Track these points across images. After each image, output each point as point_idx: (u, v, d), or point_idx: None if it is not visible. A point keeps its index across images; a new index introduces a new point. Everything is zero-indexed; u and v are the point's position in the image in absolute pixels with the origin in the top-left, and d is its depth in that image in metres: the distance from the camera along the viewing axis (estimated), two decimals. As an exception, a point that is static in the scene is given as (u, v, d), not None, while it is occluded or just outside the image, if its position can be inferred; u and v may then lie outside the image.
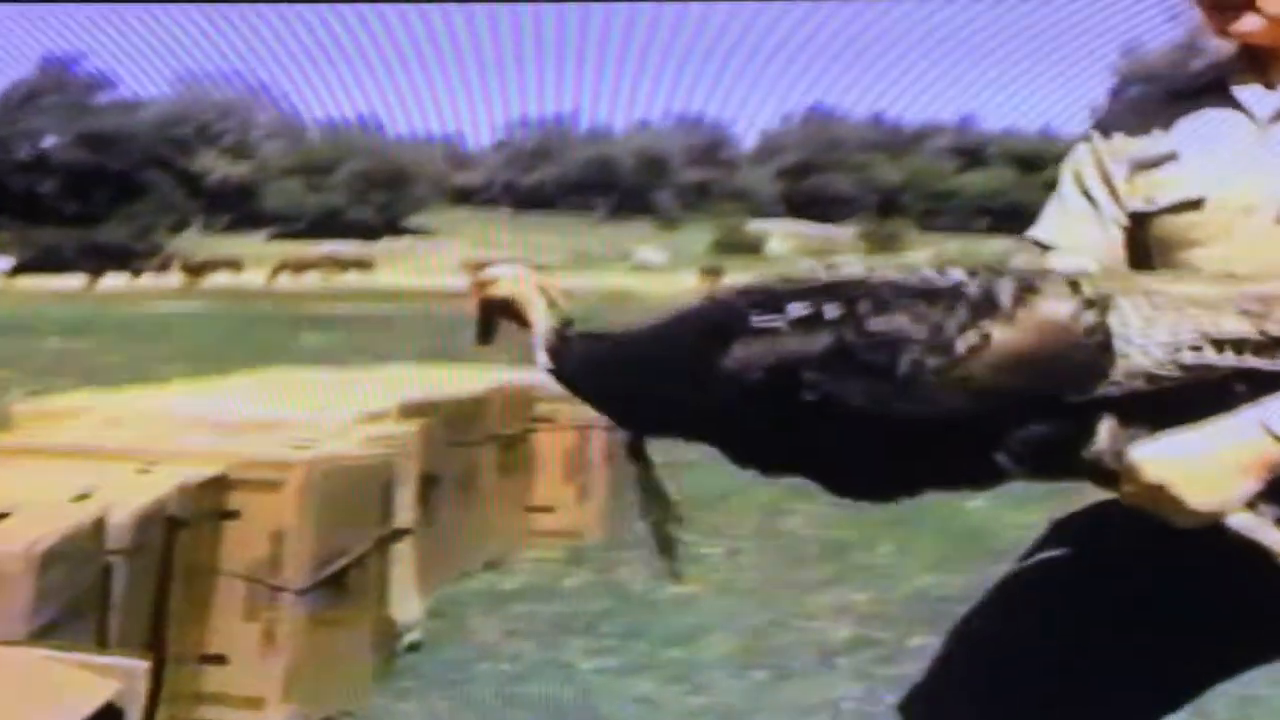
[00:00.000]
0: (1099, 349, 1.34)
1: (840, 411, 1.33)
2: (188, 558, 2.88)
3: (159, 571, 2.78)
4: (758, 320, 1.38)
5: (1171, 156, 1.56)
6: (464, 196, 73.29)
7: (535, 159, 72.65)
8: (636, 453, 1.60)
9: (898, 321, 1.34)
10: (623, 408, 1.59)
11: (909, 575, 4.63)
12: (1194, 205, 1.53)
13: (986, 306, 1.36)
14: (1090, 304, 1.36)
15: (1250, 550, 1.37)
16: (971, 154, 72.05)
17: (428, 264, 53.01)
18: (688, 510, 5.52)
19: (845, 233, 56.73)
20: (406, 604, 3.67)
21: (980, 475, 1.40)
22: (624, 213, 66.66)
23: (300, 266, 43.25)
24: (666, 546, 1.67)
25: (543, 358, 1.60)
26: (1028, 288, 1.38)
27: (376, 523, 3.46)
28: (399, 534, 3.59)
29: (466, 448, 4.54)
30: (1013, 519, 5.16)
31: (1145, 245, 1.59)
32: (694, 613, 4.21)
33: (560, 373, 1.59)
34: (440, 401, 4.44)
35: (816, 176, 72.17)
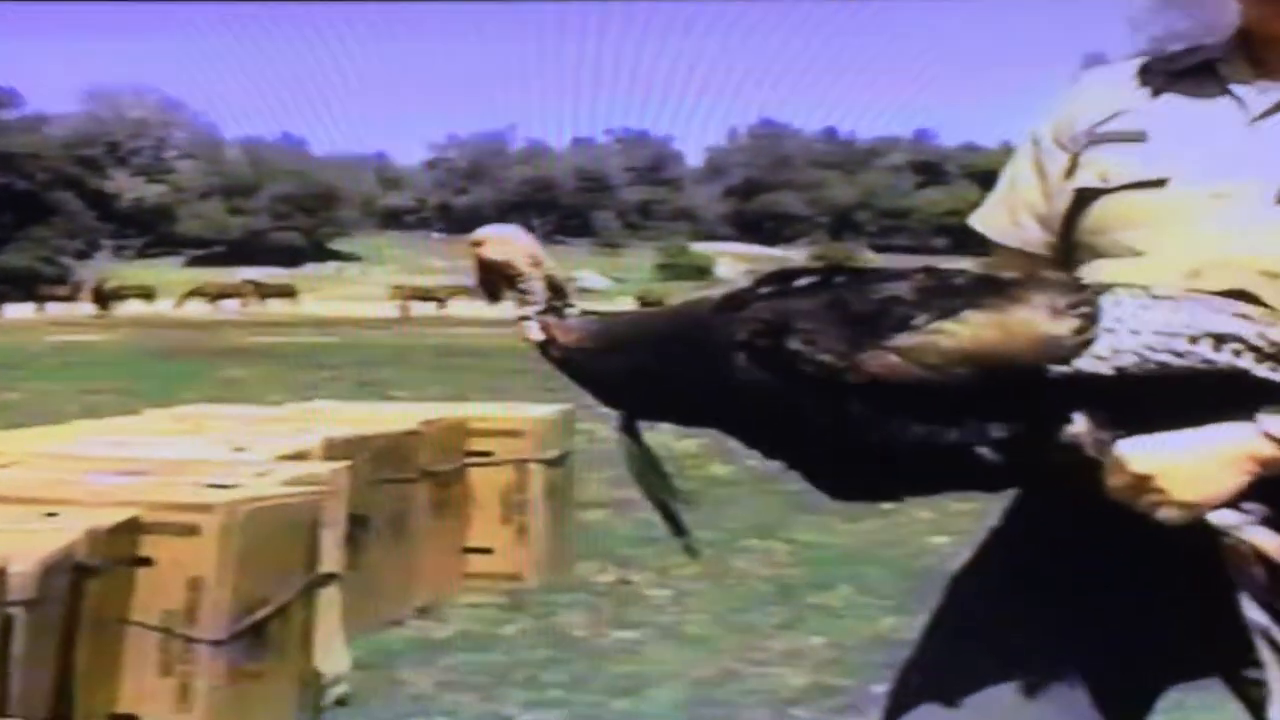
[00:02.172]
0: (1084, 321, 1.37)
1: (819, 362, 1.38)
2: (96, 609, 2.84)
3: (64, 624, 2.73)
4: (766, 289, 1.45)
5: (1139, 136, 1.58)
6: (394, 219, 73.27)
7: (469, 179, 72.74)
8: (630, 430, 1.60)
9: (898, 286, 1.40)
10: (620, 389, 1.59)
11: (868, 618, 4.64)
12: (1155, 184, 1.55)
13: (988, 282, 1.43)
14: (1083, 288, 1.43)
15: (1221, 552, 1.40)
16: (929, 170, 72.97)
17: (356, 290, 52.91)
18: (630, 552, 5.57)
19: (796, 254, 57.06)
20: (333, 655, 3.63)
21: (961, 468, 1.41)
22: (563, 234, 66.75)
23: (215, 293, 42.86)
24: (674, 523, 1.68)
25: (535, 331, 1.59)
26: (1034, 276, 1.46)
27: (301, 568, 3.42)
28: (325, 579, 3.55)
29: (397, 486, 4.51)
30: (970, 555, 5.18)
31: (1077, 228, 1.62)
32: (641, 661, 4.19)
33: (553, 349, 1.58)
34: (369, 437, 4.41)
35: (765, 195, 72.50)
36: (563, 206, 67.71)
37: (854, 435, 1.41)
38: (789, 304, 1.41)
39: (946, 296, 1.38)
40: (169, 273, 55.08)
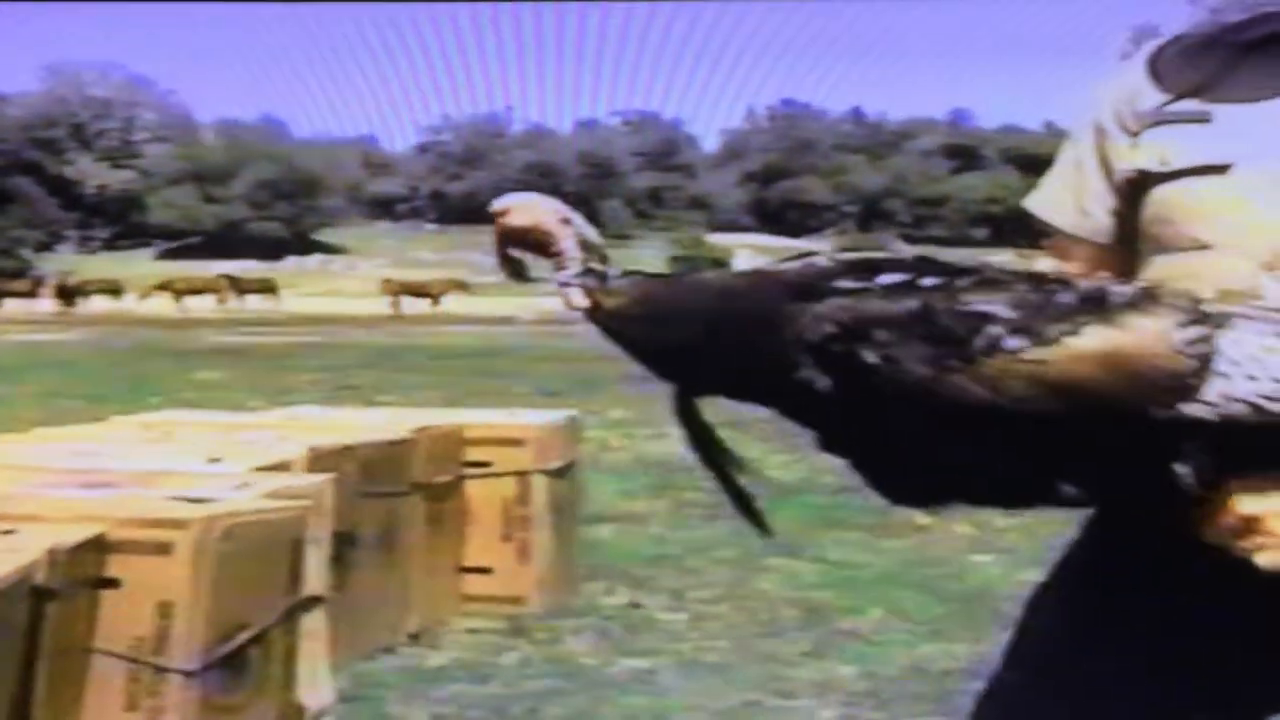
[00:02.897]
0: (1196, 363, 1.35)
1: (894, 381, 1.37)
2: (58, 635, 2.81)
3: (23, 652, 2.71)
4: (847, 282, 1.42)
5: (1203, 117, 1.56)
6: (383, 208, 73.46)
7: (464, 164, 72.90)
8: (686, 410, 1.59)
9: (993, 299, 1.38)
10: (670, 360, 1.58)
11: (904, 645, 4.61)
12: (1219, 170, 1.53)
13: (1094, 302, 1.38)
14: (1203, 318, 1.38)
15: None
16: (966, 154, 73.00)
17: (342, 286, 53.05)
18: (642, 572, 5.58)
19: (821, 246, 56.83)
20: (318, 686, 3.60)
21: (1033, 490, 1.41)
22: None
23: (183, 289, 42.84)
24: (740, 499, 1.65)
25: (577, 295, 1.58)
26: (1149, 295, 1.40)
27: (282, 591, 3.39)
28: (309, 603, 3.52)
29: (387, 500, 4.49)
30: (1023, 578, 5.16)
31: (1139, 218, 1.60)
32: (654, 692, 4.16)
33: (599, 313, 1.57)
34: (356, 447, 4.38)
35: (787, 182, 72.59)
36: (566, 194, 66.83)
37: (922, 450, 1.40)
38: (870, 307, 1.39)
39: (1046, 318, 1.35)
40: (138, 266, 55.27)
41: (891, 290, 1.40)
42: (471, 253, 62.71)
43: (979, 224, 66.78)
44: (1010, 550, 5.76)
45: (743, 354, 1.49)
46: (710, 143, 78.39)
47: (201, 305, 40.92)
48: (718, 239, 62.77)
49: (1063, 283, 1.40)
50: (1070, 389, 1.33)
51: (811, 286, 1.42)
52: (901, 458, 1.44)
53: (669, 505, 6.86)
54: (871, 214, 70.46)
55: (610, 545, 5.99)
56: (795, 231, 65.56)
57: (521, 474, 5.05)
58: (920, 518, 6.31)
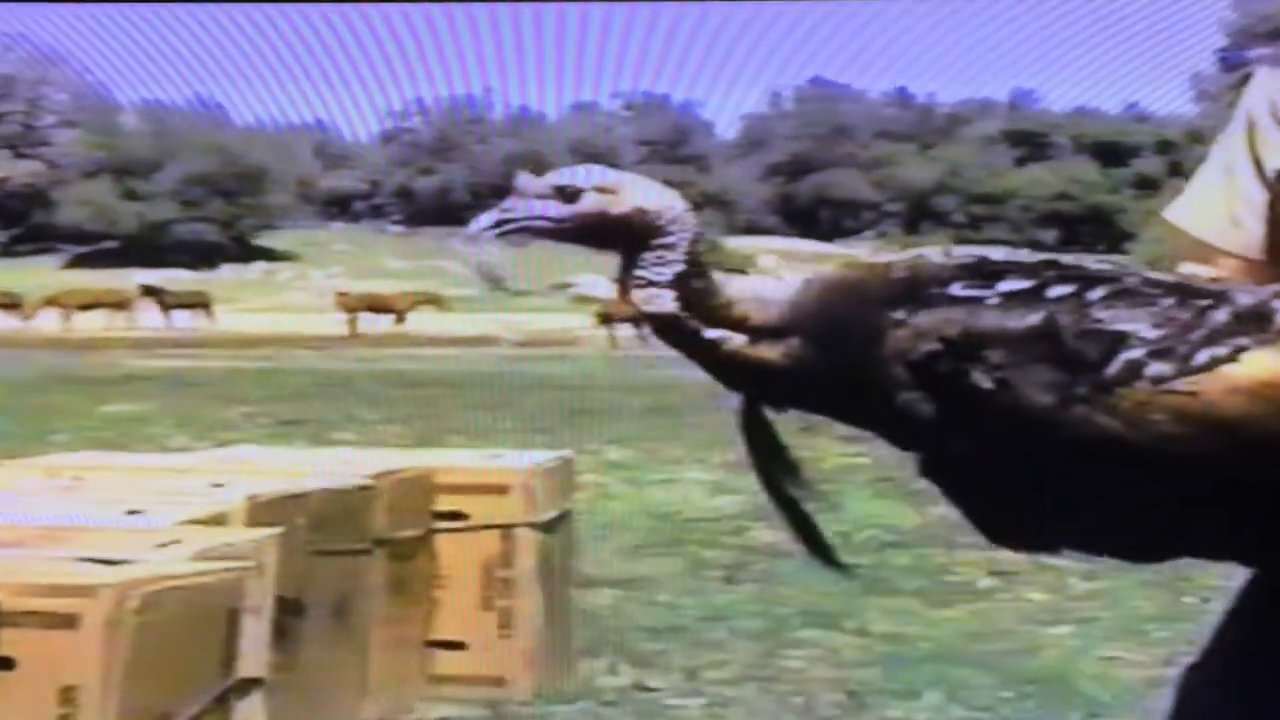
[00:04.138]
0: None
1: (1009, 411, 1.38)
2: (-60, 727, 2.78)
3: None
4: (960, 289, 1.44)
5: None
6: (339, 207, 73.64)
7: (436, 156, 73.09)
8: (754, 421, 1.69)
9: (1133, 315, 1.37)
10: (764, 375, 1.65)
11: (965, 735, 4.59)
12: None
13: (1254, 321, 1.37)
14: None
15: None
16: (1032, 142, 73.14)
17: (289, 300, 53.12)
18: (650, 646, 5.55)
19: (859, 251, 57.07)
20: (257, 786, 3.56)
21: (1168, 540, 1.43)
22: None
23: (81, 303, 42.56)
24: (807, 533, 1.74)
25: (666, 300, 1.64)
26: None
27: (213, 672, 3.35)
28: (245, 686, 3.49)
29: (342, 560, 4.45)
30: (1108, 654, 5.14)
31: None
32: (664, 793, 4.14)
33: (688, 324, 1.64)
34: (305, 495, 4.35)
35: (819, 176, 72.76)
36: (558, 191, 67.72)
37: (1035, 484, 1.40)
38: (983, 321, 1.38)
39: (1197, 340, 1.33)
40: (43, 274, 55.32)
41: (1011, 300, 1.40)
42: (445, 260, 62.83)
43: (1047, 225, 66.82)
44: (1091, 620, 5.74)
45: (836, 364, 1.52)
46: (728, 130, 78.48)
47: (101, 324, 40.65)
48: (737, 243, 62.82)
49: (1216, 296, 1.38)
50: (1224, 426, 1.32)
51: (918, 291, 1.42)
52: (1009, 491, 1.44)
53: (681, 565, 6.84)
54: (920, 213, 70.49)
55: (611, 614, 5.96)
56: (828, 234, 65.63)
57: (505, 528, 5.02)
58: (982, 581, 6.29)
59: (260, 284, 59.70)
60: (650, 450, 9.85)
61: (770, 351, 1.59)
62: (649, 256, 1.63)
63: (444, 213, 70.14)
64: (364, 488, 4.66)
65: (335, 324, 39.12)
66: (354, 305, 41.13)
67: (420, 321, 39.30)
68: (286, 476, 4.63)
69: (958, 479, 1.50)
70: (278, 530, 3.86)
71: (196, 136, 66.61)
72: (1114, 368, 1.33)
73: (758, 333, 1.61)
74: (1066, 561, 6.59)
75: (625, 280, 1.67)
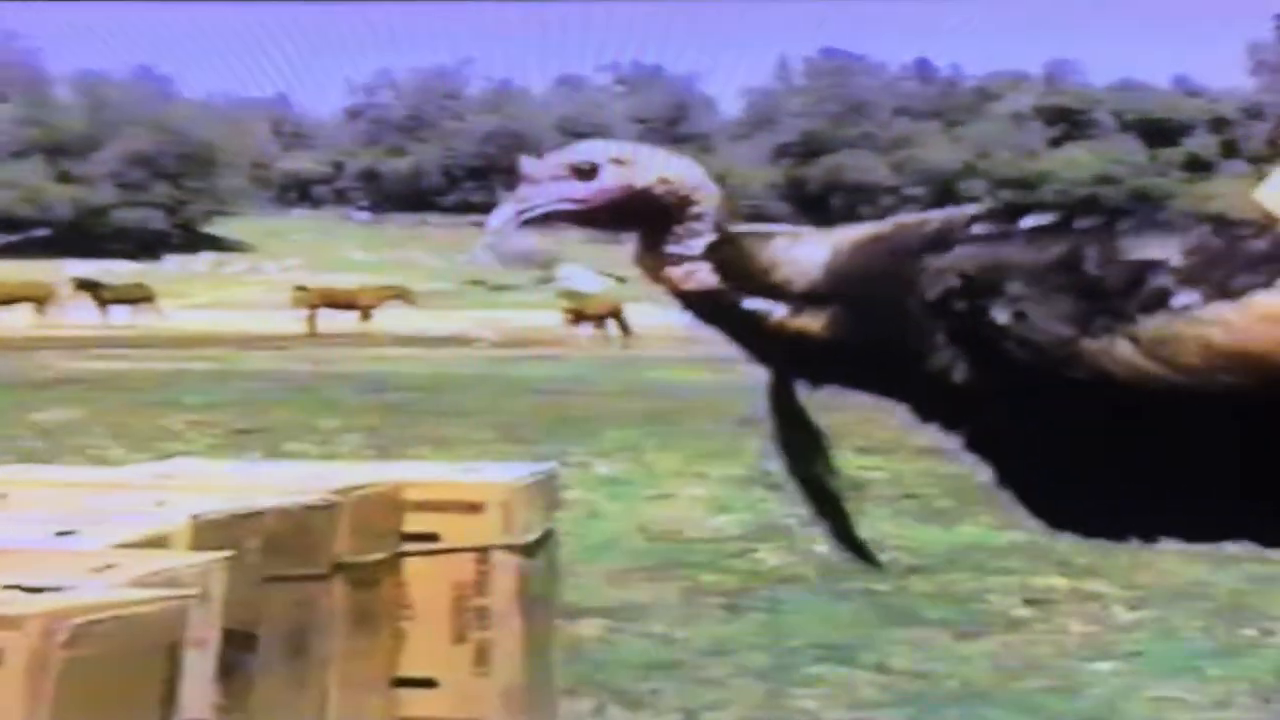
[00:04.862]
0: None
1: (1029, 343, 1.44)
2: None
3: None
4: (981, 228, 1.55)
5: None
6: (298, 191, 73.69)
7: (407, 134, 73.17)
8: (784, 398, 1.78)
9: (1163, 243, 1.43)
10: (807, 348, 1.73)
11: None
12: None
13: None
14: None
15: None
16: (1070, 119, 73.27)
17: (241, 295, 53.15)
18: (642, 685, 5.51)
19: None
20: (201, 842, 3.53)
21: (1230, 510, 1.42)
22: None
23: (2, 297, 42.27)
24: (836, 523, 1.88)
25: (704, 274, 1.73)
26: None
27: (153, 713, 3.32)
28: (190, 729, 3.46)
29: (298, 587, 4.41)
30: (1158, 694, 5.12)
31: None
32: None
33: (727, 297, 1.71)
34: (256, 515, 4.31)
35: (832, 157, 72.88)
36: (541, 174, 67.69)
37: (1083, 454, 1.40)
38: (1002, 252, 1.41)
39: (1229, 268, 1.33)
40: (-36, 267, 55.28)
41: (1036, 235, 1.42)
42: (414, 249, 62.93)
43: (1087, 210, 66.82)
44: (1138, 655, 5.72)
45: (875, 328, 1.62)
46: (731, 106, 78.68)
47: (27, 321, 40.48)
48: (742, 231, 63.01)
49: (1259, 226, 1.38)
50: (1251, 358, 1.31)
51: (946, 237, 1.46)
52: (1053, 460, 1.46)
53: (678, 592, 6.82)
54: (944, 197, 70.53)
55: (600, 647, 5.92)
56: (843, 220, 65.57)
57: (480, 550, 4.99)
58: (1016, 609, 6.27)
59: (209, 277, 59.78)
60: (644, 463, 9.85)
61: (813, 322, 1.66)
62: (679, 229, 1.69)
63: (415, 198, 70.24)
64: (323, 506, 4.63)
65: (292, 321, 39.11)
66: (313, 301, 41.10)
67: (388, 319, 39.28)
68: (236, 493, 4.59)
69: (1001, 451, 1.54)
70: (226, 554, 3.83)
71: (138, 112, 66.67)
72: (1139, 295, 1.34)
73: (798, 300, 1.67)
74: (1110, 587, 6.59)
75: (653, 259, 1.73)
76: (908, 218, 1.64)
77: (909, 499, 8.50)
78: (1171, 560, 6.77)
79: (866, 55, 76.40)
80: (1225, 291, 1.35)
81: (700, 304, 1.67)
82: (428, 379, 20.16)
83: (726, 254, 1.67)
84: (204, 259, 64.28)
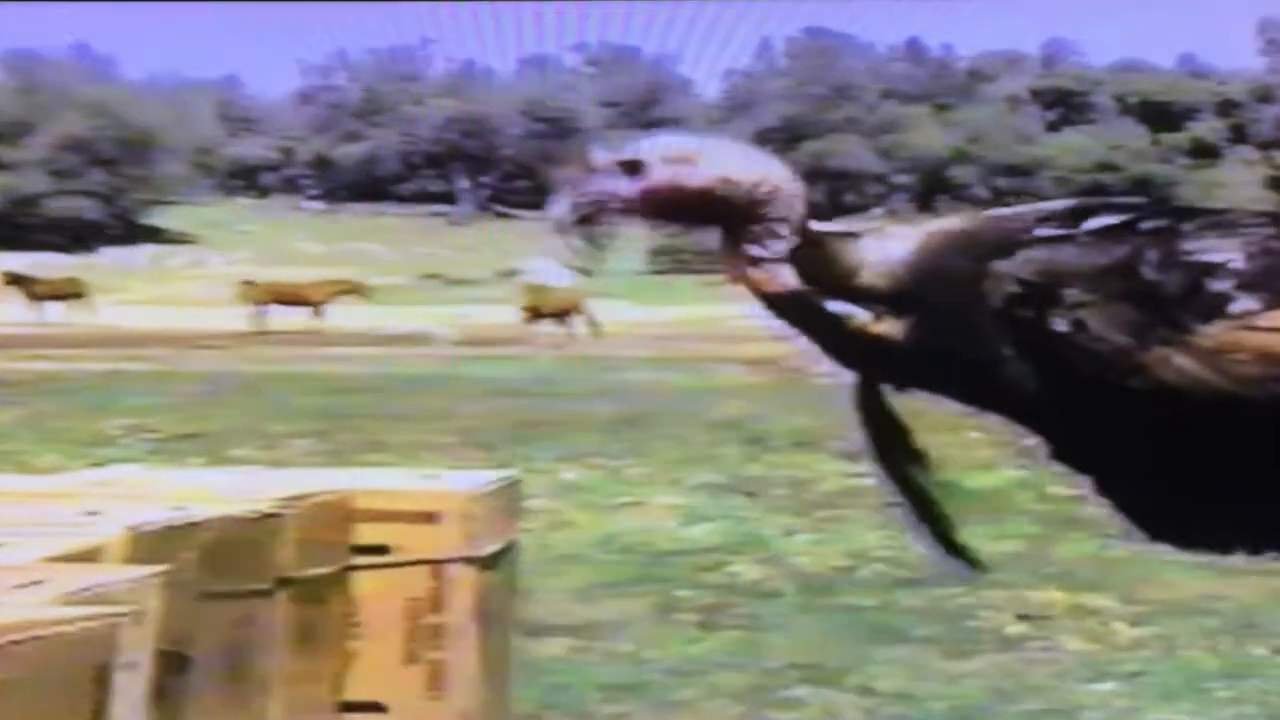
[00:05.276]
0: None
1: (1086, 355, 1.49)
2: None
3: None
4: (1045, 230, 1.58)
5: None
6: (246, 179, 73.54)
7: (363, 119, 73.09)
8: (871, 401, 1.84)
9: (1225, 245, 1.46)
10: (888, 353, 1.79)
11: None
12: None
13: None
14: None
15: None
16: (1068, 102, 73.42)
17: (183, 290, 53.04)
18: (610, 708, 5.48)
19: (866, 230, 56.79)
20: None
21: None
22: (507, 203, 66.95)
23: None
24: (938, 529, 1.95)
25: (786, 276, 1.78)
26: None
27: (81, 740, 3.30)
28: (121, 757, 3.44)
29: (238, 604, 4.39)
30: (1153, 715, 5.12)
31: None
32: None
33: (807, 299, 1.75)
34: (196, 526, 4.29)
35: (816, 143, 72.86)
36: (507, 161, 67.99)
37: (1172, 463, 1.50)
38: (1064, 258, 1.43)
39: None
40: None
41: (1097, 237, 1.44)
42: (369, 241, 62.85)
43: (1154, 211, 66.90)
44: (1140, 674, 5.72)
45: (953, 336, 1.65)
46: (709, 89, 78.65)
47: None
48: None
49: None
50: None
51: (1014, 239, 1.48)
52: (1151, 474, 1.48)
53: (649, 608, 6.81)
54: (935, 186, 70.74)
55: (563, 668, 5.91)
56: (829, 210, 65.79)
57: (436, 564, 4.97)
58: (1010, 626, 6.26)
59: (149, 271, 59.54)
60: (613, 469, 9.83)
61: (893, 328, 1.71)
62: (756, 230, 1.71)
63: (370, 187, 70.19)
64: (267, 516, 4.60)
65: (238, 318, 39.00)
66: (261, 296, 40.98)
67: (340, 316, 39.20)
68: (175, 503, 4.57)
69: (1087, 461, 1.58)
70: (162, 569, 3.80)
71: (74, 93, 66.49)
72: (1198, 301, 1.36)
73: (881, 303, 1.73)
74: (1111, 602, 6.59)
75: (733, 260, 1.78)
76: (993, 213, 1.68)
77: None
78: (1176, 572, 6.78)
79: (853, 35, 76.41)
80: None
81: (782, 306, 1.69)
82: (382, 380, 20.13)
83: (810, 256, 1.70)
84: (143, 251, 64.07)
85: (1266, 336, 1.36)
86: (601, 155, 1.77)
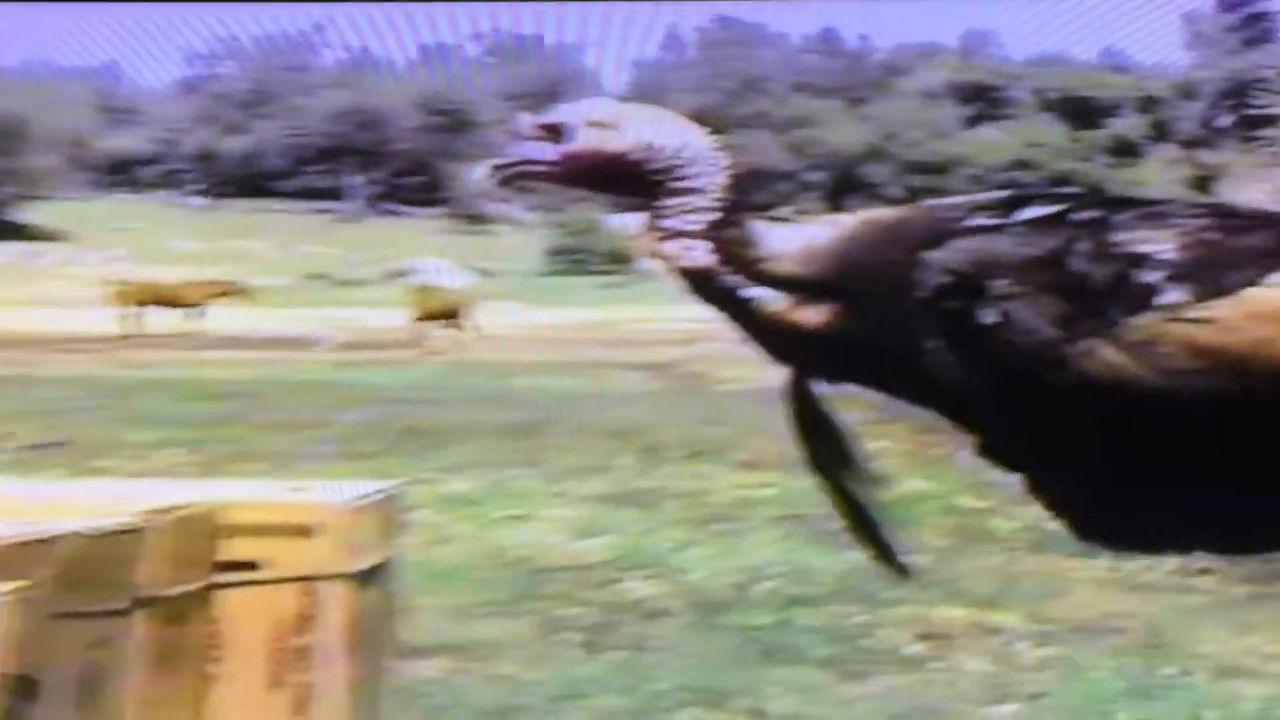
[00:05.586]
0: None
1: (1012, 349, 1.52)
2: None
3: None
4: (979, 220, 1.63)
5: None
6: (122, 173, 72.98)
7: (248, 110, 72.68)
8: (801, 396, 1.85)
9: (1156, 236, 1.50)
10: (809, 340, 1.79)
11: None
12: None
13: None
14: None
15: None
16: (986, 97, 73.81)
17: (51, 290, 52.63)
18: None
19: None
20: None
21: (1255, 516, 1.55)
22: (400, 200, 66.76)
23: None
24: (867, 531, 1.92)
25: (701, 252, 1.80)
26: None
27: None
28: (-37, 788, 3.43)
29: (94, 624, 4.37)
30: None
31: None
32: None
33: (721, 280, 1.77)
34: (51, 541, 4.27)
35: (723, 138, 72.71)
36: (400, 156, 67.76)
37: (1102, 459, 1.52)
38: (995, 248, 1.47)
39: (1221, 263, 1.38)
40: None
41: (1029, 227, 1.48)
42: (254, 239, 62.51)
43: (1090, 200, 67.20)
44: (1042, 695, 5.75)
45: (878, 325, 1.66)
46: (614, 81, 78.65)
47: None
48: (620, 221, 63.00)
49: (1261, 219, 1.43)
50: (1237, 359, 1.35)
51: (946, 228, 1.51)
52: (1081, 469, 1.52)
53: (531, 627, 6.81)
54: (846, 184, 70.87)
55: (440, 691, 5.90)
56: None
57: (306, 580, 4.95)
58: (909, 646, 6.30)
59: (16, 270, 58.99)
60: (500, 481, 9.82)
61: (814, 316, 1.73)
62: (673, 202, 1.72)
63: (254, 182, 69.72)
64: (125, 531, 4.58)
65: (111, 321, 38.65)
66: (135, 297, 40.60)
67: (220, 318, 38.96)
68: (29, 516, 4.54)
69: (1016, 455, 1.62)
70: (12, 587, 3.80)
71: (-61, 82, 65.88)
72: (1125, 292, 1.39)
73: (801, 291, 1.74)
74: (1015, 620, 6.63)
75: (648, 231, 1.81)
76: (929, 203, 1.71)
77: (794, 519, 8.50)
78: (1086, 590, 6.84)
79: (764, 25, 76.55)
80: (1213, 289, 1.38)
81: (695, 284, 1.71)
82: (260, 385, 20.01)
83: (728, 235, 1.71)
84: (10, 249, 63.47)
85: (1193, 328, 1.39)
86: (524, 119, 1.80)
